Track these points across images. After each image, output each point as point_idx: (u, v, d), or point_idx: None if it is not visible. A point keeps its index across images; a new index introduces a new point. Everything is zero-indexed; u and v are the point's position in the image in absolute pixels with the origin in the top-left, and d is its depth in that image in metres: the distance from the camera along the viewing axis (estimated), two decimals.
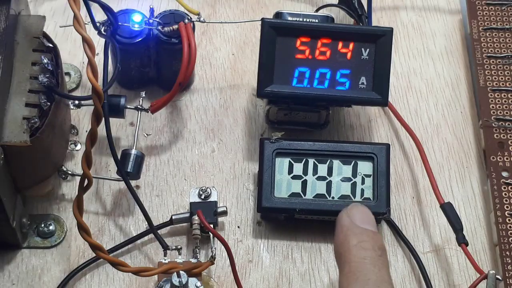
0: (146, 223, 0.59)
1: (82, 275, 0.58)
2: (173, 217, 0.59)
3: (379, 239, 0.50)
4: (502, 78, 0.66)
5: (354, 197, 0.60)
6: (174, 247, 0.58)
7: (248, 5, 0.71)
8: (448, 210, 0.59)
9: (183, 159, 0.63)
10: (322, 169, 0.60)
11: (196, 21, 0.62)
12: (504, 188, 0.61)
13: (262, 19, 0.60)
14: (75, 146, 0.62)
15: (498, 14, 0.69)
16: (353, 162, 0.61)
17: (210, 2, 0.71)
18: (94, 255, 0.55)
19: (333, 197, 0.60)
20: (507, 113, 0.65)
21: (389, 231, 0.61)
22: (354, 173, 0.60)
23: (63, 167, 0.60)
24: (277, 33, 0.60)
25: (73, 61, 0.67)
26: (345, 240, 0.49)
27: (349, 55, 0.61)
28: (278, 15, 0.63)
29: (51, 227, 0.59)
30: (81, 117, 0.64)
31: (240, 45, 0.69)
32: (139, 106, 0.62)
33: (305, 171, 0.60)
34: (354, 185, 0.60)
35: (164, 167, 0.63)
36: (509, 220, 0.60)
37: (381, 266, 0.48)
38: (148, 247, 0.60)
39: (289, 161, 0.60)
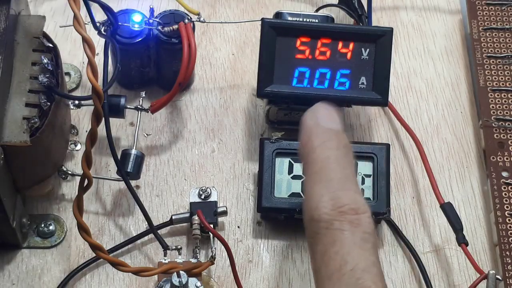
0: (146, 223, 0.59)
1: (82, 275, 0.58)
2: (173, 217, 0.59)
3: (343, 138, 0.48)
4: (502, 78, 0.66)
5: None
6: (174, 247, 0.58)
7: (248, 5, 0.71)
8: (448, 210, 0.59)
9: (183, 159, 0.63)
10: None
11: (196, 21, 0.62)
12: (504, 188, 0.61)
13: (262, 19, 0.60)
14: (75, 146, 0.62)
15: (498, 14, 0.69)
16: None
17: (210, 2, 0.71)
18: (94, 255, 0.55)
19: None
20: (507, 113, 0.65)
21: (389, 231, 0.61)
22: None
23: (63, 167, 0.60)
24: (277, 33, 0.60)
25: (73, 61, 0.67)
26: (309, 140, 0.47)
27: (349, 55, 0.61)
28: (278, 15, 0.63)
29: (51, 227, 0.59)
30: (81, 117, 0.64)
31: (240, 45, 0.69)
32: (139, 106, 0.62)
33: None
34: None
35: (164, 167, 0.63)
36: (509, 220, 0.60)
37: (346, 165, 0.46)
38: (148, 247, 0.60)
39: (289, 161, 0.60)
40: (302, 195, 0.60)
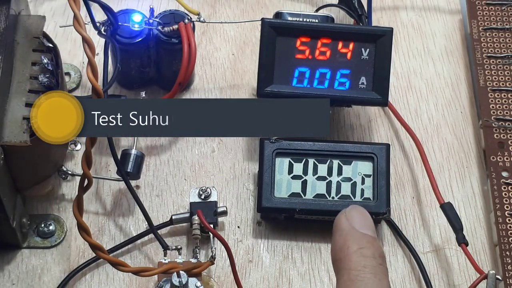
0: (146, 223, 0.59)
1: (82, 275, 0.58)
2: (173, 217, 0.59)
3: (379, 246, 0.47)
4: (502, 78, 0.66)
5: (354, 197, 0.60)
6: (174, 247, 0.58)
7: (248, 5, 0.71)
8: (448, 210, 0.59)
9: (183, 159, 0.63)
10: (322, 169, 0.60)
11: (196, 21, 0.63)
12: (504, 188, 0.61)
13: (262, 19, 0.60)
14: (75, 146, 0.62)
15: (498, 14, 0.69)
16: (353, 162, 0.61)
17: (210, 2, 0.71)
18: (94, 255, 0.55)
19: (333, 197, 0.60)
20: (507, 113, 0.65)
21: (389, 231, 0.61)
22: (354, 173, 0.60)
23: (63, 167, 0.60)
24: (277, 33, 0.60)
25: (73, 61, 0.67)
26: (344, 245, 0.46)
27: (349, 55, 0.61)
28: (278, 15, 0.63)
29: (51, 227, 0.59)
30: None
31: (240, 45, 0.69)
32: None
33: (305, 171, 0.60)
34: (354, 185, 0.60)
35: (164, 167, 0.63)
36: (509, 220, 0.60)
37: (382, 276, 0.46)
38: (148, 247, 0.60)
39: (289, 161, 0.60)
40: (302, 195, 0.60)
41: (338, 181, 0.60)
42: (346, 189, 0.60)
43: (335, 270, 0.47)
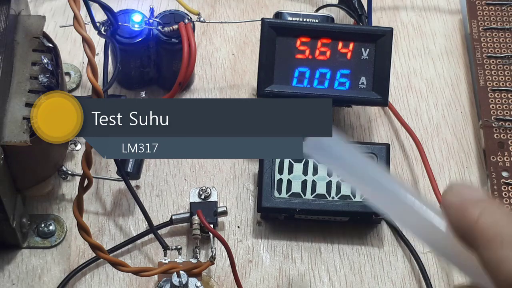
0: (146, 223, 0.59)
1: (82, 275, 0.58)
2: (173, 217, 0.59)
3: (497, 203, 0.42)
4: (502, 78, 0.66)
5: (354, 197, 0.60)
6: (174, 247, 0.58)
7: (248, 5, 0.71)
8: None
9: (183, 159, 0.63)
10: (322, 169, 0.60)
11: (196, 21, 0.63)
12: (504, 188, 0.61)
13: (262, 19, 0.60)
14: (75, 146, 0.62)
15: (498, 14, 0.69)
16: None
17: (210, 2, 0.71)
18: (94, 255, 0.55)
19: (333, 197, 0.60)
20: (507, 113, 0.65)
21: (389, 231, 0.61)
22: None
23: (63, 167, 0.60)
24: (277, 33, 0.60)
25: (73, 61, 0.67)
26: (464, 215, 0.41)
27: (349, 55, 0.61)
28: (278, 15, 0.63)
29: (51, 227, 0.59)
30: None
31: (240, 45, 0.69)
32: None
33: (305, 171, 0.60)
34: None
35: (164, 167, 0.63)
36: None
37: None
38: (148, 247, 0.60)
39: (289, 161, 0.60)
40: (302, 195, 0.60)
41: (338, 181, 0.60)
42: (346, 189, 0.60)
43: (468, 248, 0.41)
